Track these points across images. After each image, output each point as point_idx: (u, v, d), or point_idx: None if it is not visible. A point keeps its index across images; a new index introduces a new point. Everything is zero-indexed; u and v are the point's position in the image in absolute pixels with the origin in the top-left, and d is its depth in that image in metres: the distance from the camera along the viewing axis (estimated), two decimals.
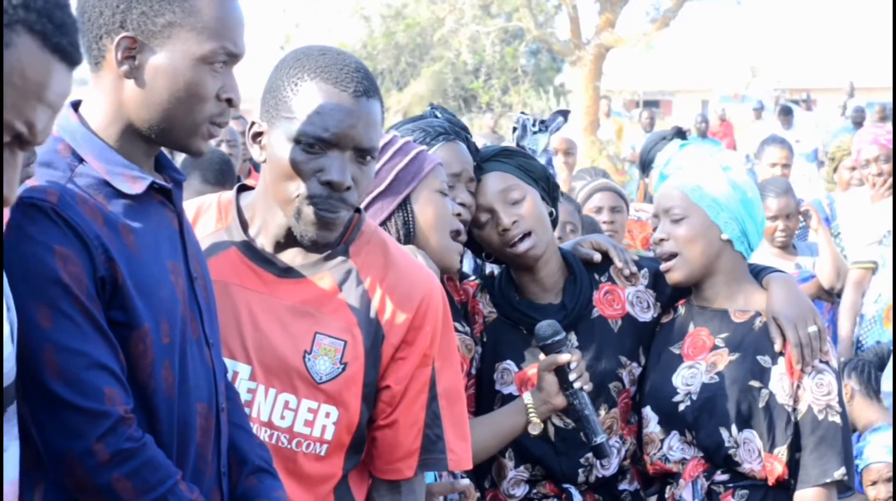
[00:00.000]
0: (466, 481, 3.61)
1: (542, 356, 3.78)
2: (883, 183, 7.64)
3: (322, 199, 2.88)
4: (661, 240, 3.94)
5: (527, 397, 3.74)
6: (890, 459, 5.31)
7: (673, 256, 3.92)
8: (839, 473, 3.76)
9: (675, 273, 3.93)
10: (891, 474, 5.32)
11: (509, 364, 3.95)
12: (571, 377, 3.68)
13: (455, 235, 3.63)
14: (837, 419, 3.79)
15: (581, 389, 3.69)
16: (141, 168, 2.62)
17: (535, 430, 3.74)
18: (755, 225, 3.95)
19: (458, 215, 3.66)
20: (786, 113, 21.34)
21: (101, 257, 2.46)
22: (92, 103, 2.63)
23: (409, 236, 3.45)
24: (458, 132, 3.81)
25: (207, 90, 2.59)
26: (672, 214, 3.92)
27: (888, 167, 7.55)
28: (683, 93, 39.82)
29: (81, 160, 2.55)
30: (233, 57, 2.63)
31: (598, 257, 4.02)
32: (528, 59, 31.19)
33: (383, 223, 3.41)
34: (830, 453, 3.77)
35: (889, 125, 8.57)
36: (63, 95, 1.96)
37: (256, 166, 8.53)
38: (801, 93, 29.58)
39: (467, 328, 3.92)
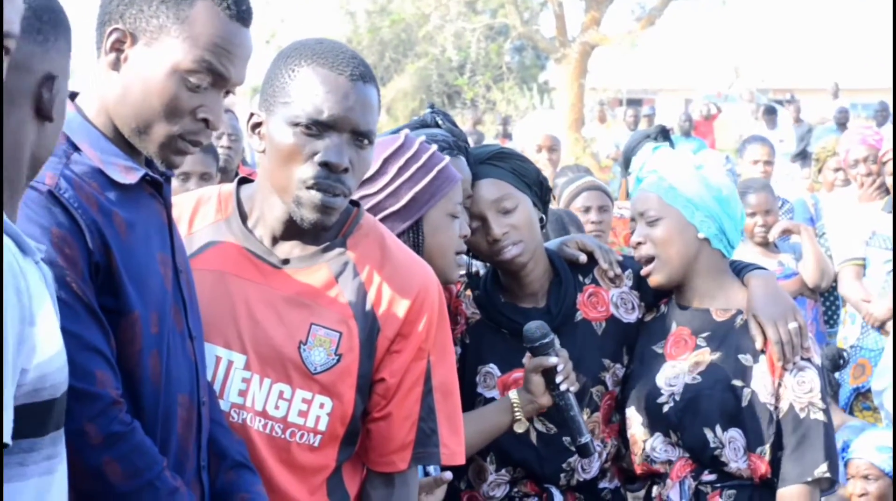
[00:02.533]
0: (449, 474, 3.61)
1: (528, 356, 3.78)
2: (871, 183, 7.65)
3: (320, 180, 2.89)
4: (639, 243, 3.93)
5: (513, 395, 3.73)
6: (873, 458, 5.34)
7: (651, 259, 3.92)
8: (820, 470, 3.74)
9: (656, 276, 3.92)
10: (868, 472, 5.34)
11: (492, 368, 3.94)
12: (558, 379, 3.68)
13: (458, 254, 3.61)
14: (820, 416, 3.77)
15: (567, 390, 3.70)
16: (135, 159, 2.64)
17: (520, 428, 3.74)
18: (733, 222, 3.94)
19: (465, 236, 3.61)
20: (770, 113, 21.39)
21: (97, 242, 2.48)
22: (89, 90, 2.66)
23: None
24: (459, 146, 3.76)
25: (181, 104, 2.59)
26: (647, 216, 3.91)
27: (876, 168, 7.57)
28: (667, 92, 39.82)
29: (77, 149, 2.57)
30: (219, 78, 2.62)
31: (583, 257, 4.00)
32: (513, 56, 31.23)
33: None
34: (812, 450, 3.76)
35: (876, 127, 8.60)
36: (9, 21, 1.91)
37: (245, 162, 8.53)
38: (785, 93, 29.64)
39: None
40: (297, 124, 2.89)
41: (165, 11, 2.57)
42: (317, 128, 2.89)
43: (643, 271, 3.95)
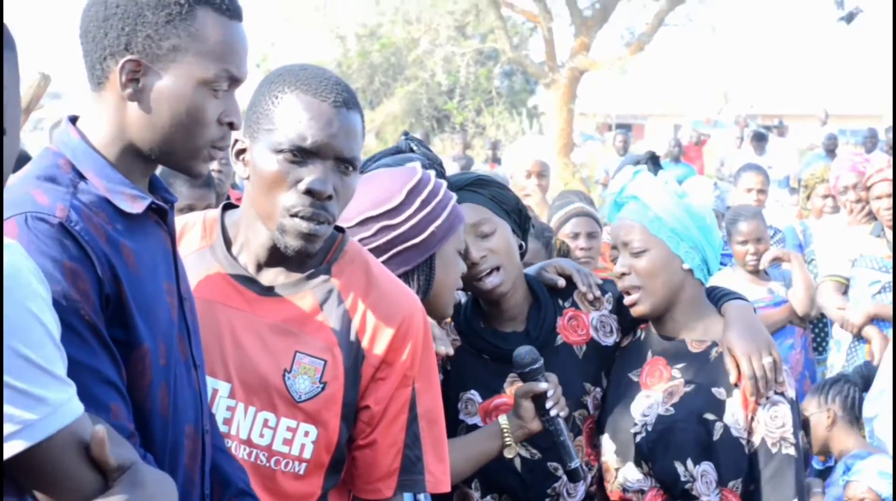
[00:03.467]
0: None
1: (509, 381, 3.79)
2: (861, 210, 7.68)
3: (304, 208, 2.88)
4: (623, 274, 3.91)
5: (502, 420, 3.73)
6: (873, 483, 5.31)
7: (635, 289, 3.90)
8: None
9: (640, 307, 3.90)
10: (865, 496, 5.31)
11: (473, 394, 3.94)
12: (548, 404, 3.68)
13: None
14: (791, 451, 3.76)
15: (557, 415, 3.70)
16: (140, 188, 2.62)
17: (510, 453, 3.74)
18: (714, 251, 3.93)
19: (463, 273, 3.61)
20: (759, 139, 21.44)
21: (108, 274, 2.44)
22: (92, 121, 2.61)
23: (428, 291, 3.43)
24: (438, 172, 3.74)
25: (209, 114, 2.58)
26: (632, 247, 3.88)
27: (866, 194, 7.59)
28: (656, 117, 39.97)
29: (82, 177, 2.54)
30: (235, 81, 2.62)
31: (562, 282, 4.00)
32: (502, 80, 31.31)
33: (405, 274, 3.39)
34: (784, 486, 3.75)
35: (866, 154, 8.63)
36: None
37: (235, 186, 8.51)
38: (774, 119, 29.71)
39: None
40: (280, 151, 2.88)
41: (175, 32, 2.54)
42: (300, 155, 2.88)
43: (626, 301, 3.93)
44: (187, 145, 2.59)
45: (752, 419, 3.76)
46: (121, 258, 2.49)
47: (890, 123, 19.79)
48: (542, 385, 3.67)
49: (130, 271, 2.50)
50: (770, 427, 3.75)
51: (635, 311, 3.92)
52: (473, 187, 3.90)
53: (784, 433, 3.76)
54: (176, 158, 2.61)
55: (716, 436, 3.77)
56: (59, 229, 2.40)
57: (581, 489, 3.95)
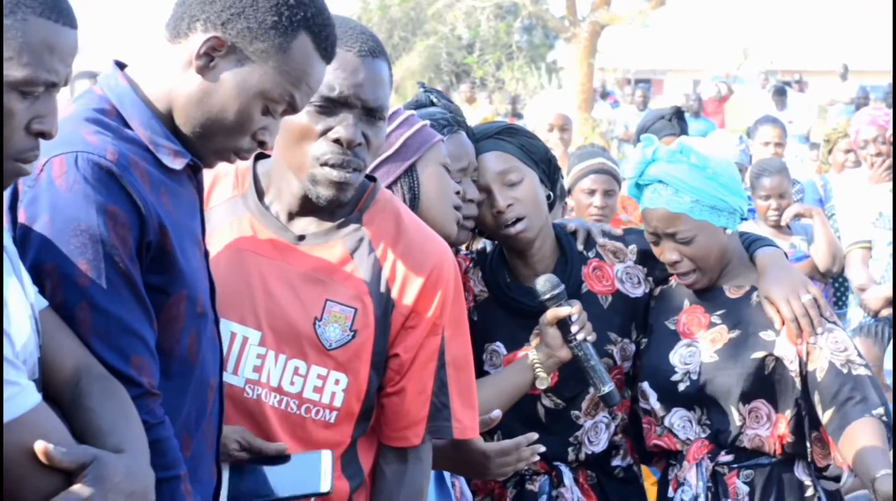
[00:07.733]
0: None
1: (535, 334, 3.81)
2: (881, 164, 7.64)
3: (334, 156, 2.90)
4: (675, 262, 3.90)
5: (532, 353, 3.76)
6: None
7: (692, 271, 3.91)
8: (878, 411, 3.67)
9: (700, 284, 3.93)
10: None
11: (498, 346, 3.96)
12: (574, 329, 3.70)
13: (456, 209, 3.60)
14: (863, 371, 3.74)
15: (585, 340, 3.72)
16: (179, 143, 2.60)
17: (542, 384, 3.77)
18: (744, 200, 3.95)
19: (458, 192, 3.61)
20: (780, 93, 21.33)
21: (154, 221, 2.44)
22: (151, 71, 2.61)
23: (414, 201, 3.42)
24: (458, 121, 3.76)
25: (252, 125, 2.56)
26: (679, 237, 3.87)
27: (886, 148, 7.57)
28: (675, 72, 39.75)
29: (127, 125, 2.54)
30: (292, 109, 2.61)
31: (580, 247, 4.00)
32: (522, 34, 31.20)
33: (390, 187, 3.40)
34: (869, 395, 3.69)
35: (886, 108, 8.59)
36: None
37: None
38: (794, 74, 29.55)
39: None
40: (308, 103, 2.89)
41: (272, 38, 2.52)
42: (328, 105, 2.90)
43: (684, 282, 3.94)
44: (217, 143, 2.59)
45: (808, 352, 3.76)
46: (163, 207, 2.49)
47: None
48: (565, 309, 3.70)
49: (172, 219, 2.51)
50: (834, 350, 3.74)
51: (695, 287, 3.95)
52: (502, 136, 3.89)
53: (849, 356, 3.75)
54: (200, 145, 2.60)
55: (766, 371, 3.79)
56: (109, 171, 2.40)
57: (603, 437, 3.97)
